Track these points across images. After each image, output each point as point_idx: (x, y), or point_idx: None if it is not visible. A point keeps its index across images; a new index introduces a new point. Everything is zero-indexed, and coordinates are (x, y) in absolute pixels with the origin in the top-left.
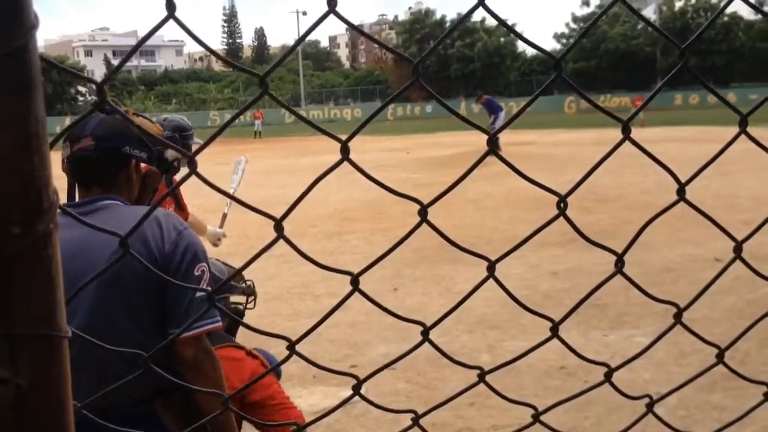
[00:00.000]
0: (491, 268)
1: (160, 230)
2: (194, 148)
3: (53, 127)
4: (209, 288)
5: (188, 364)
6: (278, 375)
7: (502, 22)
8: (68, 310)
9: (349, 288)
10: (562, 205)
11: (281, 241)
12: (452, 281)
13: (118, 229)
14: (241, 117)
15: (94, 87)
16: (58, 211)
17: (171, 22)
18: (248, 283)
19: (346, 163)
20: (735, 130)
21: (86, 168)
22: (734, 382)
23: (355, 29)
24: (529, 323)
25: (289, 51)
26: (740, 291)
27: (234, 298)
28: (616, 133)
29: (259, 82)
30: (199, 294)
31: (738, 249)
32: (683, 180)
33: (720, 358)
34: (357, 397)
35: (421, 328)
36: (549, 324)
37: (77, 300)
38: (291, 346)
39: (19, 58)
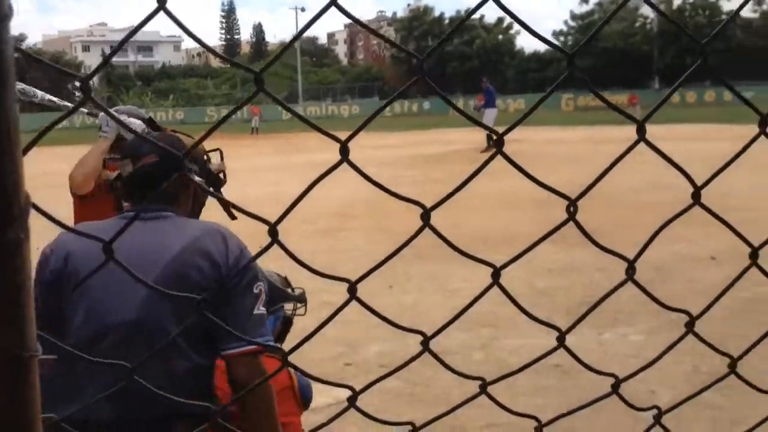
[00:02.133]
0: (496, 275)
1: (225, 247)
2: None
3: (48, 121)
4: (265, 308)
5: (242, 384)
6: (306, 404)
7: (516, 19)
8: (116, 305)
9: (349, 280)
10: (572, 209)
11: (281, 237)
12: (448, 279)
13: (180, 239)
14: (238, 113)
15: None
16: (124, 217)
17: (168, 17)
18: (299, 290)
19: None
20: (731, 127)
21: (149, 184)
22: (729, 381)
23: (360, 24)
24: (523, 322)
25: (287, 46)
26: (735, 290)
27: (286, 306)
28: (612, 132)
29: (255, 80)
30: (256, 311)
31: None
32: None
33: (732, 368)
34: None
35: (419, 332)
36: (546, 320)
37: (129, 296)
38: (284, 357)
39: None
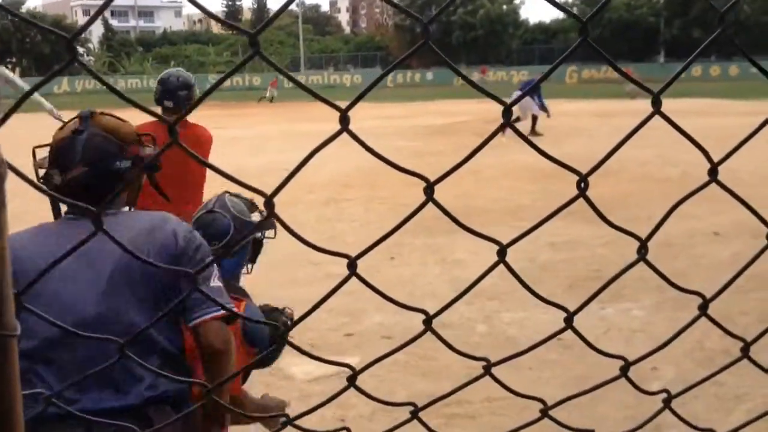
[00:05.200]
0: (502, 252)
1: (173, 233)
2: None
3: (51, 86)
4: (220, 281)
5: (212, 349)
6: (255, 345)
7: None
8: (74, 302)
9: (348, 255)
10: (582, 185)
11: (282, 207)
12: (450, 251)
13: (129, 233)
14: (241, 81)
15: (91, 45)
16: (67, 219)
17: None
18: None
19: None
20: (736, 103)
21: (82, 194)
22: (733, 357)
23: None
24: (526, 295)
25: (282, 8)
26: (739, 266)
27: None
28: (616, 105)
29: (250, 42)
30: (214, 284)
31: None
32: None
33: (745, 352)
34: (357, 364)
35: (421, 306)
36: (548, 295)
37: (87, 292)
38: (282, 335)
39: None
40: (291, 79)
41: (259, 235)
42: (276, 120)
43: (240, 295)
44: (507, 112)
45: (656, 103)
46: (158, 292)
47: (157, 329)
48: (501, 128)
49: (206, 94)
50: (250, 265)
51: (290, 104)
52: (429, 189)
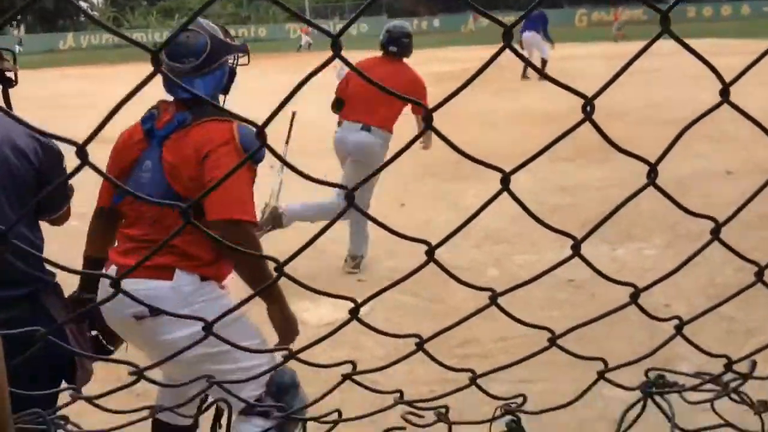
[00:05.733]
0: (505, 180)
1: (33, 140)
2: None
3: (56, 42)
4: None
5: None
6: (253, 159)
7: None
8: None
9: (344, 186)
10: (588, 108)
11: (295, 156)
12: (460, 196)
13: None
14: (245, 32)
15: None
16: None
17: None
18: (240, 39)
19: None
20: (750, 42)
21: None
22: (745, 293)
23: None
24: (538, 237)
25: None
26: (751, 205)
27: (229, 60)
28: (626, 47)
29: None
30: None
31: None
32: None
33: (760, 276)
34: (367, 308)
35: (424, 242)
36: (559, 237)
37: None
38: (279, 268)
39: None
40: (286, 8)
41: (231, 61)
42: (286, 70)
43: (227, 116)
44: (507, 34)
45: (665, 20)
46: (25, 191)
47: (29, 229)
48: (501, 50)
49: (184, 26)
50: (222, 97)
51: (294, 54)
52: (428, 116)
